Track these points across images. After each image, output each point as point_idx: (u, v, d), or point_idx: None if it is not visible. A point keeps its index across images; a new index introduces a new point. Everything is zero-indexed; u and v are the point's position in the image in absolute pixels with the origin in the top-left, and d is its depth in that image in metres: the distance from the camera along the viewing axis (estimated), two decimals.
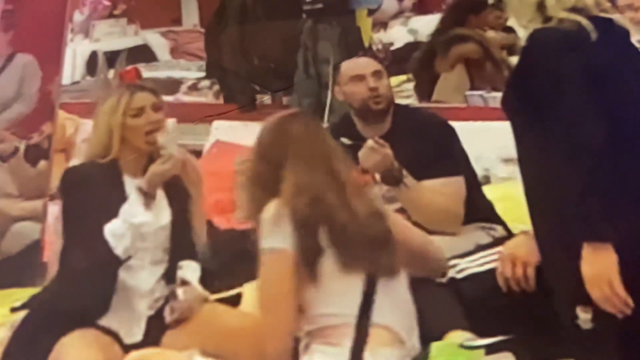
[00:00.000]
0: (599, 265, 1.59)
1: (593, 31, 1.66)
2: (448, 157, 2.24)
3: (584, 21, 1.67)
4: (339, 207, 1.74)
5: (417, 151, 2.19)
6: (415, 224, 2.21)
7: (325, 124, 2.71)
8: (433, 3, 3.33)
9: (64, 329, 2.07)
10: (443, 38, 3.44)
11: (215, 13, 3.77)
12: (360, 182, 2.10)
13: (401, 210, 2.24)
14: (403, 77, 3.33)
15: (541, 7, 1.70)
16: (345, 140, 2.25)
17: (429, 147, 2.22)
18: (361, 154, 2.18)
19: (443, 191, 2.19)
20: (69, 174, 2.32)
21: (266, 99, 3.33)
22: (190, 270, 2.13)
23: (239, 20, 3.61)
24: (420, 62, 3.54)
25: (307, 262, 1.69)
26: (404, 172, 2.16)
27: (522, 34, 1.84)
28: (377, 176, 2.25)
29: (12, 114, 2.87)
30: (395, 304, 1.78)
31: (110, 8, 3.68)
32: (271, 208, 1.73)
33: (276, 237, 1.69)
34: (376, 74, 2.27)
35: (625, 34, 1.75)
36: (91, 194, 2.13)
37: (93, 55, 3.71)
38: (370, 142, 2.16)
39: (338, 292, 1.69)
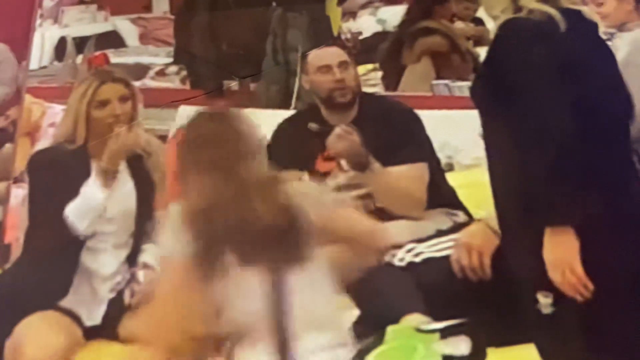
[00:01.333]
0: (560, 249, 1.62)
1: (562, 22, 1.69)
2: (412, 144, 2.26)
3: (553, 12, 1.69)
4: (238, 208, 1.74)
5: (383, 138, 2.22)
6: (381, 209, 2.24)
7: (293, 111, 2.73)
8: None
9: (25, 310, 2.07)
10: (409, 30, 3.47)
11: (186, 0, 3.77)
12: (325, 168, 2.11)
13: (365, 196, 2.26)
14: (370, 66, 3.35)
15: None
16: (313, 125, 2.26)
17: (394, 134, 2.24)
18: (329, 140, 2.19)
19: (407, 176, 2.21)
20: (37, 156, 2.32)
21: (234, 85, 3.33)
22: (153, 253, 2.14)
23: (209, 7, 3.61)
24: (387, 53, 3.56)
25: (208, 264, 1.69)
26: (371, 157, 2.18)
27: (492, 26, 1.86)
28: (343, 163, 2.28)
29: None
30: (312, 291, 1.78)
31: None
32: (171, 213, 1.74)
33: (174, 244, 1.69)
34: (342, 64, 2.28)
35: (594, 26, 1.79)
36: (57, 177, 2.13)
37: (62, 41, 3.69)
38: (338, 129, 2.17)
39: (246, 289, 1.67)
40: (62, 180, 2.07)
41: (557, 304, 1.69)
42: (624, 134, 1.78)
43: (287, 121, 2.38)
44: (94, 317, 2.00)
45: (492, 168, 1.78)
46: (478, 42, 3.32)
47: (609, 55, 1.81)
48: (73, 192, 2.01)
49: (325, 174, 2.31)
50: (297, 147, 2.24)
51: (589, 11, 1.87)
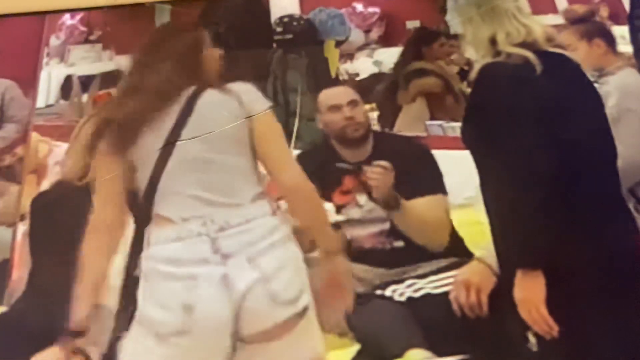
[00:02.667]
0: (527, 290, 1.71)
1: (538, 65, 1.78)
2: (429, 177, 2.38)
3: (530, 55, 1.79)
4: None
5: (400, 172, 2.33)
6: (398, 249, 2.32)
7: (296, 152, 2.83)
8: (397, 36, 3.47)
9: (34, 347, 2.13)
10: (404, 71, 3.58)
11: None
12: (342, 201, 2.23)
13: (380, 234, 2.35)
14: (368, 106, 3.46)
15: (493, 42, 1.81)
16: (342, 165, 2.37)
17: (410, 168, 2.36)
18: (373, 170, 2.29)
19: (430, 207, 2.31)
20: (38, 199, 2.40)
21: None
22: None
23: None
24: (383, 94, 3.67)
25: None
26: (399, 197, 2.29)
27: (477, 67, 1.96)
28: (359, 197, 2.38)
29: (7, 137, 2.95)
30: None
31: (86, 33, 3.75)
32: None
33: None
34: (352, 103, 2.42)
35: (576, 67, 1.88)
36: (61, 214, 2.20)
37: (68, 79, 3.78)
38: (383, 163, 2.28)
39: None
40: (66, 217, 2.14)
41: (540, 343, 1.78)
42: (611, 173, 1.86)
43: (301, 157, 2.49)
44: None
45: (487, 207, 1.87)
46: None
47: (594, 95, 1.89)
48: (76, 227, 2.09)
49: (341, 207, 2.40)
50: (315, 181, 2.34)
51: (570, 53, 1.97)
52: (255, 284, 1.86)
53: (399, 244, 2.43)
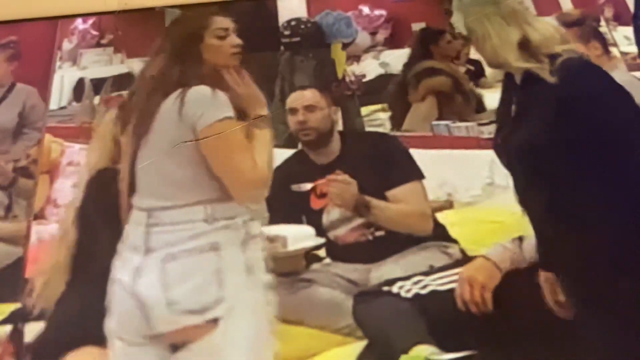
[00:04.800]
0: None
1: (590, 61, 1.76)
2: (402, 167, 2.42)
3: (580, 52, 1.76)
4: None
5: (372, 167, 2.37)
6: (380, 238, 2.36)
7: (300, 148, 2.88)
8: (403, 38, 3.51)
9: (81, 342, 2.18)
10: (414, 70, 3.61)
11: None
12: (319, 205, 2.28)
13: (363, 227, 2.39)
14: (374, 107, 3.50)
15: (523, 44, 1.77)
16: (295, 187, 2.42)
17: (381, 162, 2.40)
18: (332, 187, 2.34)
19: (407, 197, 2.35)
20: (94, 178, 2.45)
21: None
22: None
23: None
24: (394, 94, 3.70)
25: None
26: (369, 199, 2.32)
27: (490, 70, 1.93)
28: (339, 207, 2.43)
29: (29, 142, 3.03)
30: None
31: (98, 37, 3.82)
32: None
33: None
34: (308, 107, 2.48)
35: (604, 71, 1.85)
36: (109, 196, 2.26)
37: (80, 82, 3.85)
38: (341, 177, 2.32)
39: None
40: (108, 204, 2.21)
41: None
42: None
43: (279, 168, 2.55)
44: None
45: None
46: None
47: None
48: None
49: (320, 211, 2.45)
50: (290, 191, 2.39)
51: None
52: (153, 289, 1.91)
53: (381, 233, 2.47)
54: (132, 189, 1.99)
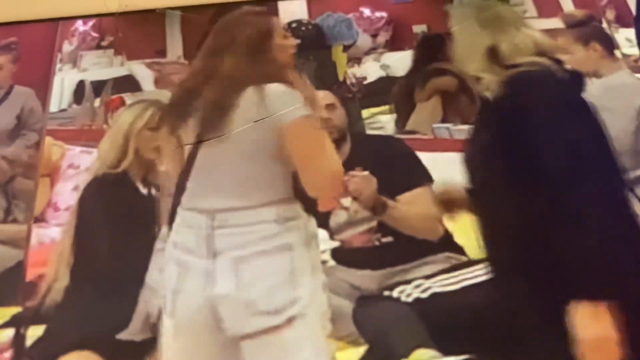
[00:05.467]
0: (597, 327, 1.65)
1: (560, 71, 1.76)
2: (412, 170, 2.41)
3: (550, 63, 1.77)
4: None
5: (380, 170, 2.36)
6: (387, 244, 2.35)
7: None
8: (404, 40, 3.50)
9: (80, 345, 2.20)
10: (422, 71, 3.61)
11: (199, 46, 3.91)
12: (327, 207, 2.27)
13: (371, 231, 2.38)
14: (375, 110, 3.49)
15: (492, 53, 1.78)
16: None
17: (391, 165, 2.39)
18: (353, 184, 2.33)
19: (418, 201, 2.35)
20: (88, 189, 2.44)
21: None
22: None
23: None
24: (399, 94, 3.69)
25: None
26: (385, 199, 2.33)
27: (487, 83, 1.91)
28: (343, 200, 2.42)
29: (27, 142, 3.02)
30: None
31: (98, 39, 3.82)
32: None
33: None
34: (330, 106, 2.47)
35: (579, 75, 1.88)
36: (104, 207, 2.25)
37: (80, 84, 3.85)
38: (363, 173, 2.32)
39: None
40: (113, 207, 2.20)
41: None
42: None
43: None
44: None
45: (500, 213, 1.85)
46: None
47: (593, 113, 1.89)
48: (124, 217, 2.10)
49: (328, 214, 2.44)
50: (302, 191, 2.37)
51: (568, 60, 1.98)
52: (230, 291, 1.88)
53: (388, 239, 2.46)
54: (180, 188, 1.94)
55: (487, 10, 1.87)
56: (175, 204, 1.97)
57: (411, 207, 2.47)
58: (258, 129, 1.97)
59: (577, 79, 1.88)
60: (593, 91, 2.55)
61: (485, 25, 1.82)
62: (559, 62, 1.89)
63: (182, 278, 1.94)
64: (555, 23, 3.13)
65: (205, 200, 1.93)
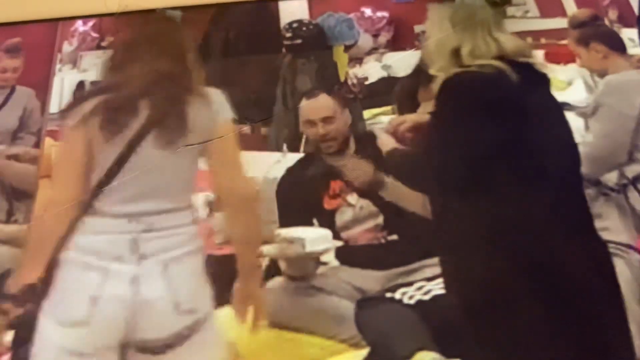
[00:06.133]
0: None
1: (513, 74, 1.77)
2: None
3: (502, 65, 1.78)
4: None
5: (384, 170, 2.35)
6: (392, 242, 2.34)
7: (302, 154, 2.87)
8: (405, 40, 3.49)
9: None
10: (427, 70, 3.59)
11: (199, 47, 3.91)
12: (332, 206, 2.27)
13: (376, 229, 2.38)
14: (376, 110, 3.48)
15: (456, 54, 1.78)
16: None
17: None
18: (348, 171, 2.34)
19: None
20: None
21: (246, 128, 3.47)
22: None
23: (221, 53, 3.75)
24: (403, 93, 3.68)
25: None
26: (383, 175, 2.33)
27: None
28: (349, 197, 2.42)
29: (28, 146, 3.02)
30: None
31: (98, 40, 3.80)
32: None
33: None
34: (326, 119, 2.48)
35: (543, 77, 1.87)
36: None
37: (80, 85, 3.84)
38: (350, 162, 2.31)
39: None
40: None
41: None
42: (576, 181, 1.85)
43: (290, 170, 2.54)
44: None
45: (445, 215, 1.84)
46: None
47: (557, 106, 1.89)
48: None
49: (333, 211, 2.43)
50: (303, 192, 2.38)
51: (540, 63, 1.98)
52: (162, 293, 1.87)
53: (393, 237, 2.46)
54: (95, 194, 1.96)
55: (462, 11, 1.86)
56: (83, 210, 1.97)
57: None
58: (195, 129, 1.91)
59: (536, 78, 1.87)
60: (598, 87, 2.54)
61: (457, 26, 1.82)
62: (526, 65, 1.89)
63: (101, 286, 1.91)
64: (558, 23, 3.11)
65: (128, 205, 1.93)
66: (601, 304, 1.71)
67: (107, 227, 1.98)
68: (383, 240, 2.53)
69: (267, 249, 2.47)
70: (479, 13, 1.87)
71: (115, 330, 1.91)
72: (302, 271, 2.49)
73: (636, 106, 2.51)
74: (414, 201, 2.44)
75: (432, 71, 1.85)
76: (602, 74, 2.64)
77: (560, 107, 1.96)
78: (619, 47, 2.70)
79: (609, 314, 1.73)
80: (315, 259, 2.52)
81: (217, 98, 2.08)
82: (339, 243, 2.50)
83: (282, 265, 2.48)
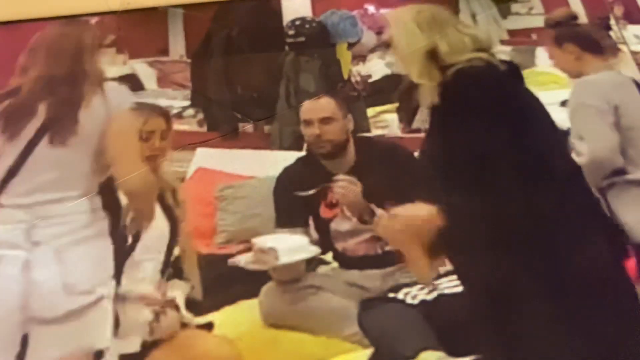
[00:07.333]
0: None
1: (500, 64, 1.74)
2: (417, 182, 2.37)
3: (490, 57, 1.75)
4: None
5: (387, 180, 2.32)
6: (389, 253, 2.32)
7: (304, 153, 2.85)
8: None
9: None
10: None
11: (201, 44, 3.90)
12: (329, 214, 2.26)
13: (373, 240, 2.36)
14: (380, 108, 3.46)
15: (432, 55, 1.74)
16: (302, 193, 2.39)
17: (396, 175, 2.35)
18: (335, 191, 2.31)
19: (419, 209, 2.31)
20: None
21: (248, 127, 3.45)
22: (179, 289, 2.28)
23: (224, 51, 3.73)
24: (405, 92, 3.66)
25: None
26: (373, 207, 2.29)
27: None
28: (345, 210, 2.40)
29: None
30: None
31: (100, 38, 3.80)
32: None
33: None
34: (324, 120, 2.45)
35: (517, 66, 1.84)
36: None
37: None
38: (341, 182, 2.29)
39: None
40: None
41: None
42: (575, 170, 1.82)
43: (287, 170, 2.51)
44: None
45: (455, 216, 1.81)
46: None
47: (534, 95, 1.86)
48: None
49: (329, 220, 2.41)
50: (300, 196, 2.35)
51: (512, 55, 1.92)
52: (53, 276, 1.99)
53: (390, 247, 2.43)
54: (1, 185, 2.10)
55: (423, 12, 1.83)
56: None
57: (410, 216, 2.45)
58: (86, 126, 2.08)
59: (513, 70, 1.85)
60: (573, 90, 2.50)
61: (423, 27, 1.79)
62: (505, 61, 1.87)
63: None
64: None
65: (23, 198, 2.06)
66: (614, 301, 1.69)
67: (5, 218, 2.08)
68: (379, 251, 2.51)
69: (243, 258, 2.45)
70: (439, 12, 1.84)
71: (10, 309, 2.00)
72: (289, 275, 2.47)
73: (609, 100, 2.48)
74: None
75: (414, 79, 1.81)
76: (577, 76, 2.59)
77: (537, 96, 1.92)
78: (592, 48, 2.63)
79: (621, 311, 1.71)
80: (305, 262, 2.50)
81: (114, 93, 2.14)
82: (317, 250, 2.48)
83: (270, 270, 2.46)
